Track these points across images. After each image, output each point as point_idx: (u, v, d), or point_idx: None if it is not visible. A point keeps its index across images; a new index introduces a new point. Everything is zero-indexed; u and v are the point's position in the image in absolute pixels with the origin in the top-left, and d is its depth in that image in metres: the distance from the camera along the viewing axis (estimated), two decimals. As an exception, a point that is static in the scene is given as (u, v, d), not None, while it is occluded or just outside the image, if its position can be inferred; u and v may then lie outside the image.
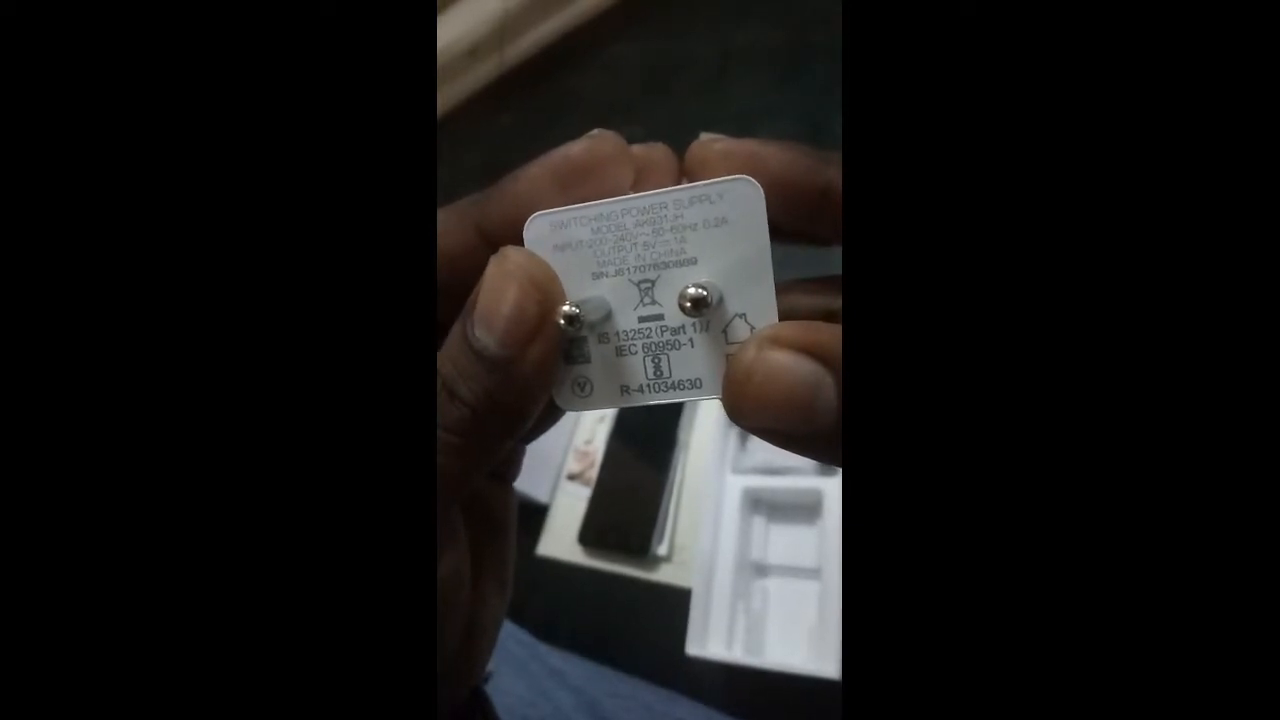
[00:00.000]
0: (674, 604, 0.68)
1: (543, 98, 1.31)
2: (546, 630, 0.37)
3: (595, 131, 0.18)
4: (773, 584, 0.66)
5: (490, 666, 0.27)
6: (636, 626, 0.70)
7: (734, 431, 0.69)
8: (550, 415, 0.21)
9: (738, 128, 1.01)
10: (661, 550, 0.73)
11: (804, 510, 0.66)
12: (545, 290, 0.17)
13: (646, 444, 0.78)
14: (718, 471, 0.68)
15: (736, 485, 0.67)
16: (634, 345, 0.17)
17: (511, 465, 0.26)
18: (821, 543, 0.61)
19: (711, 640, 0.61)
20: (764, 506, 0.69)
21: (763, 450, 0.66)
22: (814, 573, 0.62)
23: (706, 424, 0.75)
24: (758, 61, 1.05)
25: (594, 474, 0.80)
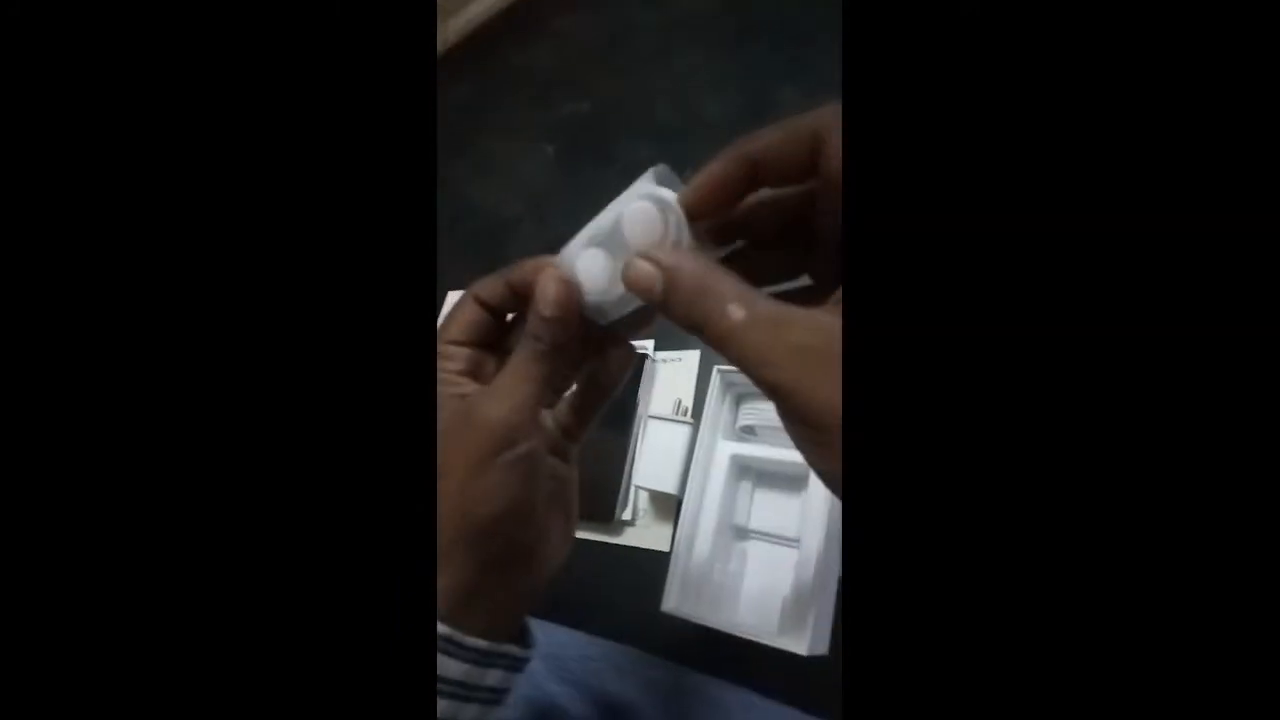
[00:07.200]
0: (641, 567, 0.69)
1: (489, 72, 1.30)
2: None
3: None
4: (752, 547, 0.68)
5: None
6: (606, 590, 0.71)
7: (729, 397, 0.71)
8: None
9: (684, 98, 1.00)
10: (625, 515, 0.75)
11: (790, 481, 0.68)
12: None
13: (607, 414, 0.78)
14: (711, 435, 0.69)
15: (727, 450, 0.69)
16: None
17: (570, 451, 0.38)
18: (804, 514, 0.62)
19: (686, 598, 0.62)
20: (752, 473, 0.70)
21: (755, 419, 0.67)
22: (793, 542, 0.64)
23: (660, 390, 0.76)
24: (701, 32, 1.05)
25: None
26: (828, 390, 0.23)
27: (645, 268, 0.28)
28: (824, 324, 0.24)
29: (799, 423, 0.25)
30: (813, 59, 0.90)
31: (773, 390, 0.25)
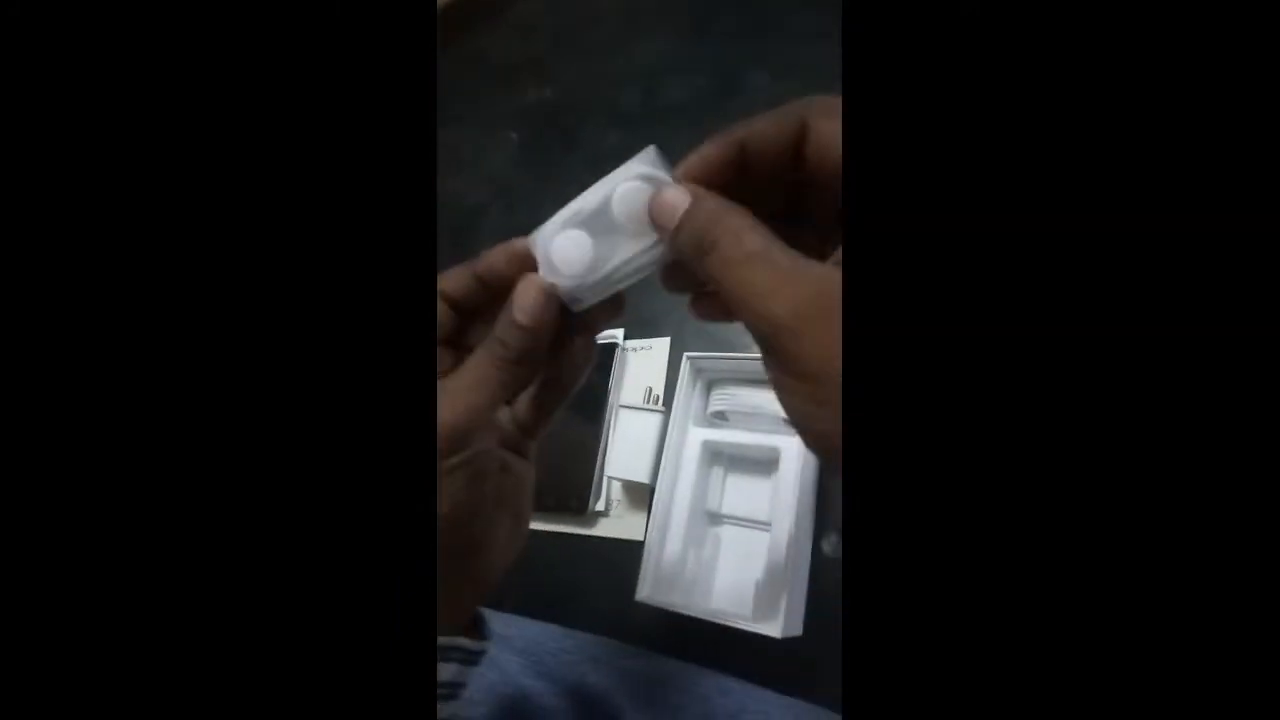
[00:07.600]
0: (616, 557, 0.70)
1: (452, 58, 1.28)
2: (491, 597, 0.38)
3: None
4: (725, 532, 0.69)
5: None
6: (582, 583, 0.71)
7: (700, 384, 0.71)
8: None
9: (648, 85, 0.99)
10: (599, 506, 0.75)
11: (761, 465, 0.68)
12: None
13: (579, 405, 0.78)
14: (682, 422, 0.69)
15: (698, 437, 0.69)
16: None
17: (527, 447, 0.39)
18: (775, 497, 0.63)
19: (660, 586, 0.63)
20: (724, 458, 0.70)
21: (726, 404, 0.68)
22: (765, 525, 0.65)
23: (634, 381, 0.76)
24: (665, 17, 1.05)
25: (528, 439, 0.81)
26: (825, 338, 0.22)
27: (675, 191, 0.27)
28: (833, 278, 0.23)
29: (789, 371, 0.24)
30: (778, 44, 0.90)
31: (770, 327, 0.24)
